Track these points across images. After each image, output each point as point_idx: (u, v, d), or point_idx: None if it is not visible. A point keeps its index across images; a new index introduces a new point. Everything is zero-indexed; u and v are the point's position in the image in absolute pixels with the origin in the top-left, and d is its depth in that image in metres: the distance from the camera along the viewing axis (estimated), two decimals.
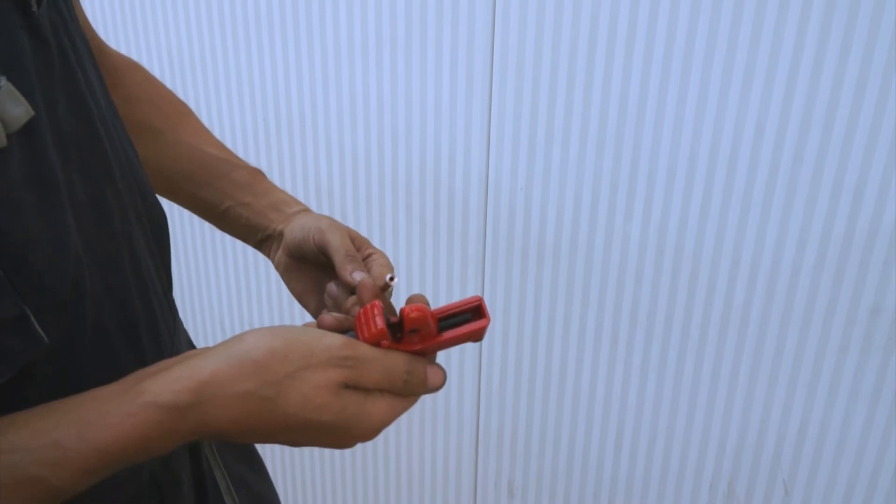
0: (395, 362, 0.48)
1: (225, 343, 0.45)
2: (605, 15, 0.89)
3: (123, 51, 1.23)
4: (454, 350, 1.16)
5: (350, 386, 0.46)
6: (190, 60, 1.23)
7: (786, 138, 0.85)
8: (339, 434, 0.46)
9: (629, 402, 1.07)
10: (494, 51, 0.98)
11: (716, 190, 0.91)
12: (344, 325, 0.51)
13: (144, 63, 1.27)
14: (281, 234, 0.65)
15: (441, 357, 0.52)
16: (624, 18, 0.88)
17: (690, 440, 1.04)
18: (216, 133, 0.97)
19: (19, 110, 0.41)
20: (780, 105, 0.84)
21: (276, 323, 1.34)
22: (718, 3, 0.83)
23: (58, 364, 0.46)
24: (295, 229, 0.64)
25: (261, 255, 1.31)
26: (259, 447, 0.79)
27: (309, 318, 1.41)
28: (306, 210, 0.67)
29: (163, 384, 0.42)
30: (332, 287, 0.60)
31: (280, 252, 0.66)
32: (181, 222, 1.35)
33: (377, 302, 0.49)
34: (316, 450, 1.39)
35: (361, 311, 0.49)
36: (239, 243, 1.31)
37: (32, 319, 0.42)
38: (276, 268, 0.67)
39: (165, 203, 0.65)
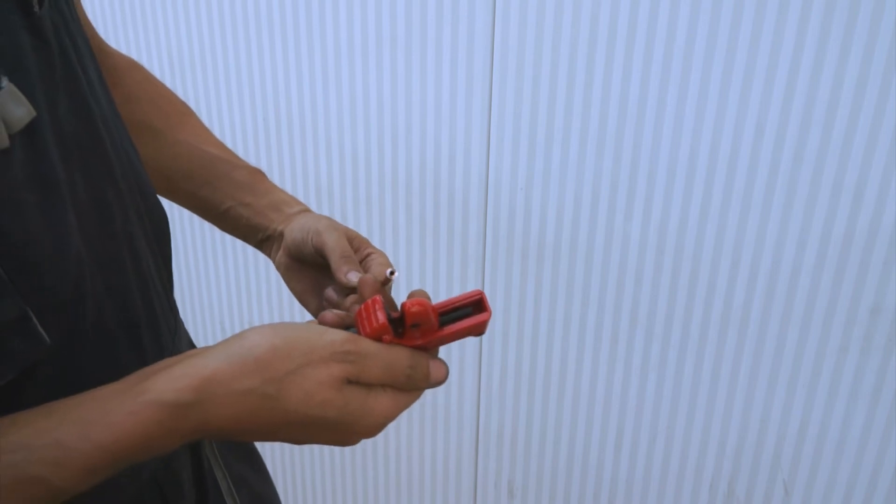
0: (397, 357, 0.47)
1: (226, 341, 0.45)
2: (605, 15, 0.89)
3: (123, 51, 1.23)
4: (454, 350, 1.16)
5: (353, 381, 0.46)
6: (190, 60, 1.23)
7: (786, 138, 0.85)
8: (341, 430, 0.46)
9: (629, 402, 1.07)
10: (494, 51, 0.98)
11: (716, 190, 0.91)
12: (345, 321, 0.51)
13: (144, 63, 1.27)
14: (281, 235, 0.65)
15: (441, 356, 0.52)
16: (624, 18, 0.88)
17: (690, 440, 1.04)
18: (216, 133, 0.97)
19: (21, 111, 0.41)
20: (780, 105, 0.84)
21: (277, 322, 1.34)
22: (718, 3, 0.83)
23: (59, 364, 0.45)
24: (294, 230, 0.64)
25: (261, 255, 1.31)
26: (259, 446, 0.79)
27: (309, 318, 1.41)
28: (306, 210, 0.67)
29: (165, 382, 0.42)
30: (329, 292, 0.60)
31: (280, 253, 0.66)
32: (181, 222, 1.35)
33: (378, 297, 0.49)
34: (316, 449, 1.39)
35: (362, 306, 0.49)
36: (239, 243, 1.31)
37: (34, 320, 0.42)
38: (277, 268, 0.67)
39: (165, 203, 0.65)
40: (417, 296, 0.50)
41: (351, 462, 1.36)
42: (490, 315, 0.50)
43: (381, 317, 0.48)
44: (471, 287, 1.12)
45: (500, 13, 0.95)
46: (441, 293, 1.15)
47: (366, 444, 1.33)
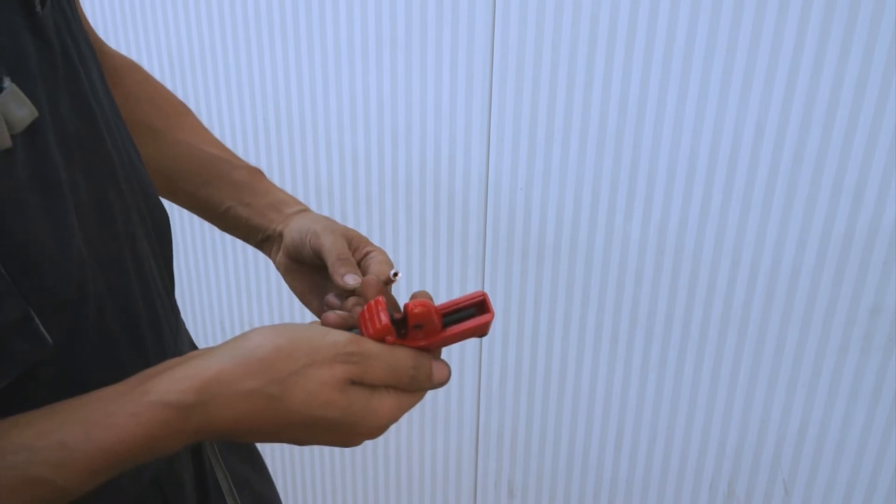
0: (400, 357, 0.47)
1: (230, 342, 0.45)
2: (605, 15, 0.89)
3: (123, 51, 1.23)
4: (454, 350, 1.16)
5: (356, 382, 0.46)
6: (190, 60, 1.23)
7: (786, 138, 0.86)
8: (344, 431, 0.46)
9: (629, 402, 1.07)
10: (494, 51, 0.98)
11: (716, 190, 0.91)
12: (348, 322, 0.51)
13: (144, 63, 1.27)
14: (280, 236, 0.65)
15: (441, 356, 0.52)
16: (624, 18, 0.88)
17: (690, 440, 1.04)
18: (216, 133, 0.97)
19: (24, 111, 0.41)
20: (780, 105, 0.84)
21: (276, 322, 1.34)
22: (718, 3, 0.83)
23: (61, 365, 0.45)
24: (293, 231, 0.64)
25: (261, 255, 1.31)
26: (259, 446, 0.79)
27: (311, 318, 1.41)
28: (305, 210, 0.67)
29: (168, 383, 0.42)
30: (330, 298, 0.60)
31: (280, 254, 0.66)
32: (181, 222, 1.35)
33: (381, 298, 0.49)
34: (316, 449, 1.39)
35: (365, 307, 0.49)
36: (239, 243, 1.31)
37: (37, 321, 0.42)
38: (277, 268, 0.67)
39: (165, 203, 0.65)
40: (420, 297, 0.50)
41: (351, 462, 1.36)
42: (493, 316, 0.50)
43: (385, 318, 0.47)
44: (471, 287, 1.12)
45: (500, 13, 0.95)
46: (441, 293, 1.15)
47: (366, 444, 1.33)
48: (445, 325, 0.50)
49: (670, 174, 0.93)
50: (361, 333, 0.48)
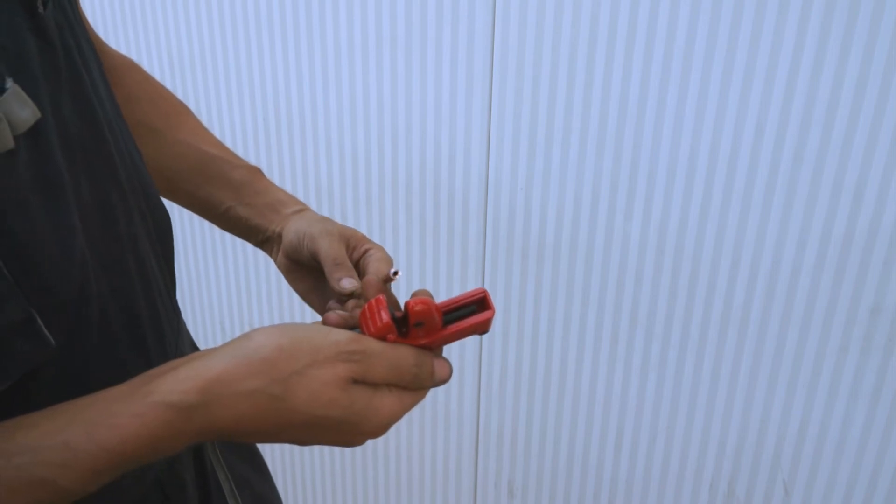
0: (403, 355, 0.47)
1: (232, 342, 0.45)
2: (605, 15, 0.89)
3: (123, 51, 1.23)
4: (454, 350, 1.16)
5: (358, 381, 0.46)
6: (190, 60, 1.23)
7: (786, 138, 0.86)
8: (346, 430, 0.46)
9: (629, 402, 1.07)
10: (494, 51, 0.98)
11: (716, 190, 0.91)
12: (349, 322, 0.51)
13: (144, 63, 1.27)
14: (279, 236, 0.65)
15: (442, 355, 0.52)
16: (624, 18, 0.88)
17: (690, 440, 1.04)
18: (216, 133, 0.97)
19: (26, 112, 0.41)
20: (780, 105, 0.84)
21: (276, 323, 1.34)
22: (718, 3, 0.83)
23: (63, 365, 0.45)
24: (290, 233, 0.64)
25: (261, 255, 1.31)
26: (259, 447, 0.79)
27: (311, 317, 1.41)
28: (303, 210, 0.67)
29: (171, 384, 0.42)
30: (331, 304, 0.60)
31: (280, 255, 0.66)
32: (181, 222, 1.35)
33: (382, 297, 0.49)
34: (316, 449, 1.39)
35: (366, 306, 0.49)
36: (238, 243, 1.31)
37: (39, 322, 0.42)
38: (279, 268, 0.67)
39: (166, 202, 0.65)
40: (420, 295, 0.50)
41: (351, 462, 1.36)
42: (494, 313, 0.50)
43: (385, 316, 0.47)
44: (471, 287, 1.12)
45: (500, 13, 0.95)
46: (441, 293, 1.15)
47: (366, 444, 1.33)
48: (446, 323, 0.50)
49: (670, 174, 0.93)
50: (363, 332, 0.48)
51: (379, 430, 0.47)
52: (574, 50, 0.92)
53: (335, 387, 0.44)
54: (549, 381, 1.11)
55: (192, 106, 0.76)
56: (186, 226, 1.35)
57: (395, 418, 0.47)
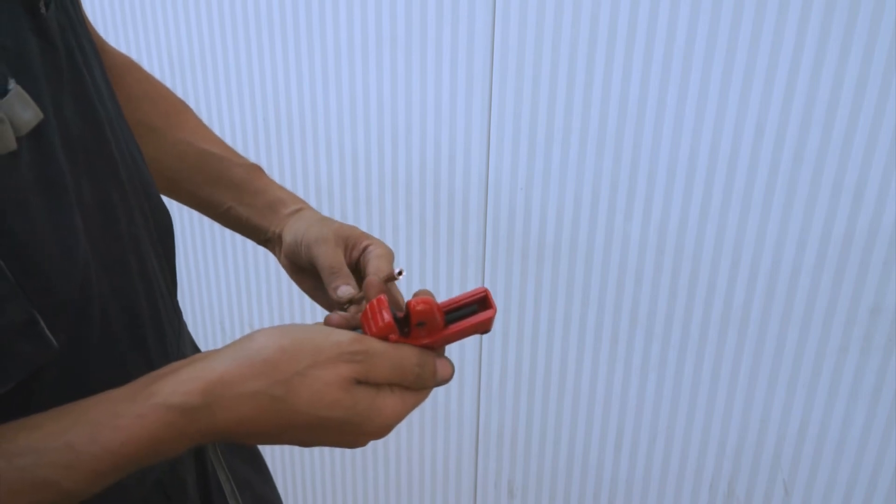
0: (405, 355, 0.47)
1: (234, 343, 0.45)
2: (605, 15, 0.89)
3: (123, 51, 1.23)
4: (454, 350, 1.16)
5: (361, 382, 0.46)
6: (190, 60, 1.23)
7: (786, 138, 0.86)
8: (349, 431, 0.46)
9: (629, 402, 1.07)
10: (494, 51, 0.98)
11: (716, 190, 0.91)
12: (352, 323, 0.51)
13: (144, 63, 1.27)
14: (280, 238, 0.65)
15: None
16: (624, 18, 0.88)
17: (690, 440, 1.04)
18: (216, 133, 0.97)
19: (29, 114, 0.40)
20: (780, 105, 0.84)
21: (276, 323, 1.34)
22: (718, 3, 0.83)
23: (64, 366, 0.45)
24: (288, 237, 0.63)
25: (261, 255, 1.31)
26: (259, 447, 0.79)
27: (312, 317, 1.41)
28: (301, 209, 0.67)
29: (173, 385, 0.42)
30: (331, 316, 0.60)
31: (282, 256, 0.66)
32: (181, 222, 1.35)
33: (383, 297, 0.49)
34: (316, 449, 1.39)
35: (367, 306, 0.49)
36: (239, 243, 1.31)
37: (41, 324, 0.42)
38: (283, 268, 0.66)
39: (167, 201, 0.65)
40: (422, 295, 0.50)
41: (351, 462, 1.36)
42: (495, 312, 0.50)
43: (387, 316, 0.47)
44: (471, 287, 1.12)
45: (500, 13, 0.95)
46: (441, 293, 1.15)
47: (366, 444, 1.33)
48: (448, 323, 0.50)
49: (670, 174, 0.93)
50: (364, 333, 0.48)
51: (382, 430, 0.47)
52: (574, 50, 0.92)
53: (338, 387, 0.44)
54: (549, 381, 1.11)
55: (192, 106, 0.76)
56: (186, 226, 1.35)
57: (398, 419, 0.47)
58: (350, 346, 0.45)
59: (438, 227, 1.11)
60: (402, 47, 1.03)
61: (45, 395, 0.44)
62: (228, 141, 1.24)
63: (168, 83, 1.25)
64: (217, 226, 1.34)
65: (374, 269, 0.57)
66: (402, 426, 1.28)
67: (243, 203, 0.68)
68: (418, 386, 0.48)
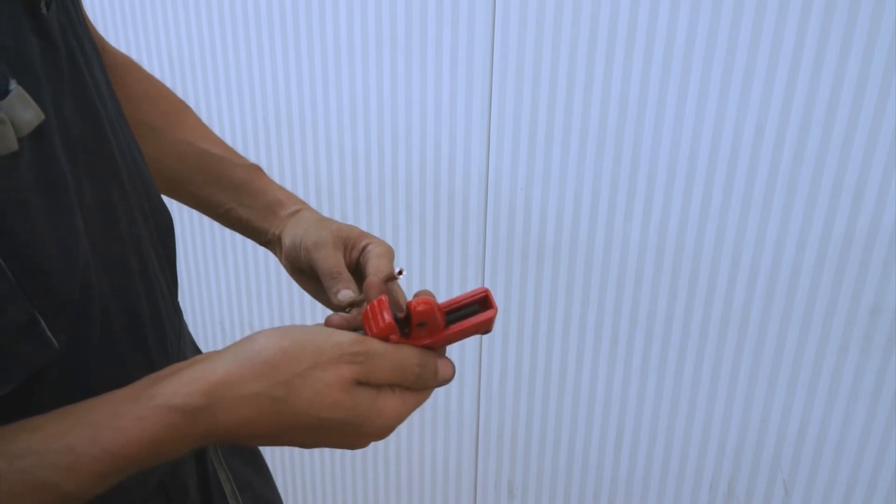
0: (406, 355, 0.47)
1: (235, 345, 0.45)
2: (605, 15, 0.89)
3: (123, 50, 1.23)
4: (454, 351, 1.16)
5: (362, 382, 0.46)
6: (190, 60, 1.23)
7: (786, 138, 0.86)
8: (350, 432, 0.46)
9: (629, 402, 1.07)
10: (494, 51, 0.98)
11: (716, 190, 0.91)
12: (352, 324, 0.51)
13: (144, 63, 1.27)
14: (279, 240, 0.65)
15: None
16: (624, 18, 0.88)
17: (690, 440, 1.04)
18: (216, 133, 0.97)
19: (30, 114, 0.40)
20: (780, 105, 0.84)
21: (276, 323, 1.34)
22: (718, 3, 0.83)
23: (65, 366, 0.45)
24: (287, 240, 0.63)
25: (261, 256, 1.31)
26: (259, 447, 0.79)
27: (313, 318, 1.41)
28: (300, 210, 0.67)
29: (174, 387, 0.42)
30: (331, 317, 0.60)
31: (283, 258, 0.65)
32: (180, 222, 1.35)
33: (384, 298, 0.49)
34: (316, 450, 1.39)
35: (368, 307, 0.49)
36: (238, 243, 1.31)
37: (43, 324, 0.41)
38: (286, 269, 0.66)
39: (167, 200, 0.65)
40: (422, 295, 0.50)
41: (351, 462, 1.36)
42: (496, 312, 0.50)
43: (388, 317, 0.47)
44: (471, 287, 1.12)
45: (500, 13, 0.95)
46: (441, 293, 1.15)
47: None
48: (449, 323, 0.50)
49: (670, 174, 0.93)
50: (365, 334, 0.48)
51: (383, 431, 0.47)
52: (574, 50, 0.92)
53: (338, 388, 0.44)
54: (549, 381, 1.11)
55: (192, 106, 0.76)
56: (186, 226, 1.35)
57: (400, 419, 0.47)
58: (351, 347, 0.45)
59: (438, 227, 1.11)
60: (402, 47, 1.03)
61: (46, 395, 0.44)
62: (228, 141, 1.24)
63: (168, 83, 1.25)
64: (217, 226, 1.34)
65: (374, 268, 0.57)
66: (401, 426, 1.28)
67: (243, 204, 0.67)
68: (419, 386, 0.48)
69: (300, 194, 1.21)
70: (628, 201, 0.96)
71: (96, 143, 0.49)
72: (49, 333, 0.42)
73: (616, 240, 0.99)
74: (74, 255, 0.44)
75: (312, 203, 1.20)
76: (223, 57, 1.19)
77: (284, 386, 0.43)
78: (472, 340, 1.16)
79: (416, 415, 1.26)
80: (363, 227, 1.17)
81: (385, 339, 0.47)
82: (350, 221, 1.18)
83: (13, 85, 0.40)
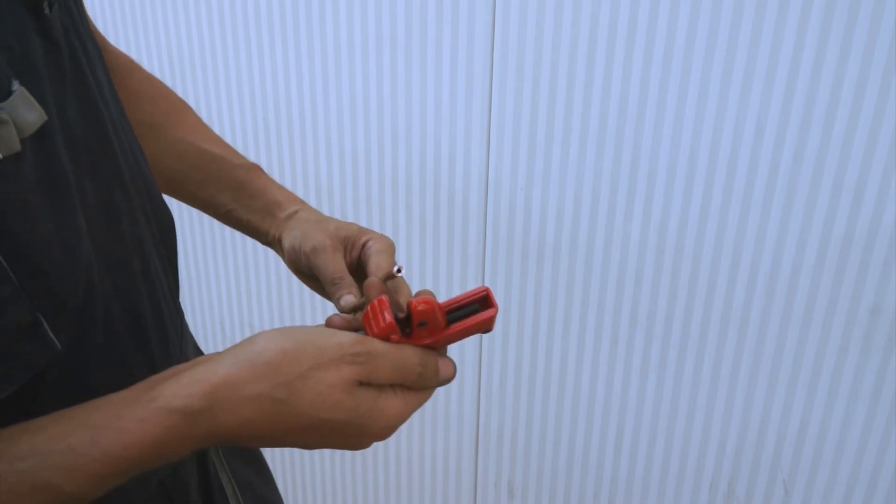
0: (407, 355, 0.47)
1: (236, 346, 0.45)
2: (605, 15, 0.89)
3: (123, 51, 1.23)
4: (454, 351, 1.15)
5: (363, 383, 0.45)
6: (190, 60, 1.23)
7: (786, 138, 0.86)
8: (352, 433, 0.46)
9: (629, 402, 1.07)
10: (494, 51, 0.98)
11: (716, 190, 0.91)
12: (353, 324, 0.51)
13: (144, 63, 1.27)
14: (280, 241, 0.65)
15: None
16: (624, 18, 0.88)
17: (690, 440, 1.04)
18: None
19: (33, 115, 0.40)
20: (780, 105, 0.85)
21: (277, 323, 1.34)
22: (718, 3, 0.84)
23: (67, 367, 0.45)
24: (287, 243, 0.63)
25: (261, 256, 1.31)
26: (260, 448, 0.79)
27: (313, 318, 1.41)
28: (298, 210, 0.67)
29: (175, 388, 0.42)
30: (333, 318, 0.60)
31: (285, 260, 0.65)
32: (181, 222, 1.35)
33: (384, 298, 0.49)
34: (317, 450, 1.39)
35: (369, 307, 0.49)
36: (239, 243, 1.31)
37: (45, 325, 0.41)
38: (290, 270, 0.66)
39: (168, 200, 0.65)
40: (423, 295, 0.49)
41: (351, 463, 1.36)
42: (497, 311, 0.50)
43: (388, 317, 0.47)
44: (471, 287, 1.12)
45: (500, 13, 0.95)
46: (442, 293, 1.15)
47: None
48: (450, 322, 0.50)
49: (670, 174, 0.93)
50: (366, 334, 0.48)
51: (384, 431, 0.47)
52: (574, 50, 0.92)
53: (340, 389, 0.44)
54: (549, 381, 1.11)
55: (191, 106, 0.76)
56: (187, 226, 1.35)
57: (401, 420, 0.47)
58: (352, 348, 0.45)
59: (438, 227, 1.11)
60: (402, 47, 1.03)
61: (47, 396, 0.44)
62: (228, 141, 1.23)
63: (168, 83, 1.25)
64: (217, 226, 1.34)
65: (375, 267, 0.57)
66: (402, 427, 1.28)
67: (242, 205, 0.67)
68: (420, 386, 0.48)
69: (300, 194, 1.21)
70: (628, 201, 0.96)
71: (99, 143, 0.49)
72: (51, 334, 0.42)
73: (616, 240, 0.99)
74: (77, 255, 0.44)
75: (312, 203, 1.20)
76: (223, 57, 1.19)
77: (286, 387, 0.43)
78: (473, 340, 1.16)
79: (416, 415, 1.25)
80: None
81: (386, 339, 0.47)
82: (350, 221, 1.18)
83: (16, 85, 0.39)
